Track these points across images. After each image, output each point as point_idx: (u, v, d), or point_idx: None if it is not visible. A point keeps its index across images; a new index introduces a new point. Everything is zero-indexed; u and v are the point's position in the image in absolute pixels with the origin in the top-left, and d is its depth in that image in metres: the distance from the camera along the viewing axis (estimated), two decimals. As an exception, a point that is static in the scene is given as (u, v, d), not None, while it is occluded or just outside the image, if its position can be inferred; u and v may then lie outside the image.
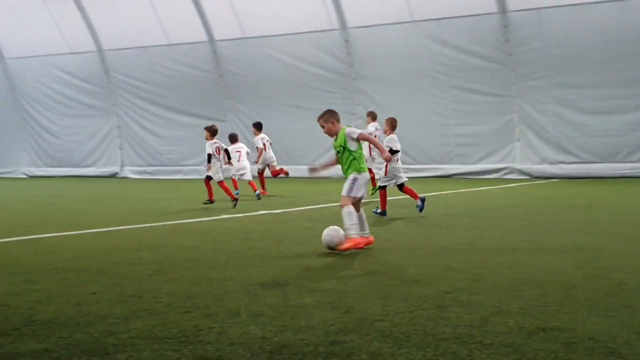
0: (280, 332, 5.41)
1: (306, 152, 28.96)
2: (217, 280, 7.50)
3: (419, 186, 23.02)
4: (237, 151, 20.54)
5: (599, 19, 24.88)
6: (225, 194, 17.25)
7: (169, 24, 31.49)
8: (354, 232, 9.29)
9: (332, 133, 9.70)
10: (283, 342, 5.16)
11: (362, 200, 9.79)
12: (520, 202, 17.38)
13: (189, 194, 21.49)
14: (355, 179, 9.51)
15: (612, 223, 12.52)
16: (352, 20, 28.36)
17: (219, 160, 17.71)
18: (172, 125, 33.01)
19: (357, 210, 9.52)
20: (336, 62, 29.07)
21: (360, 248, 9.32)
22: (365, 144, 15.75)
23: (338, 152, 9.67)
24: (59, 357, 4.93)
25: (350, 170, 9.57)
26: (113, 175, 34.62)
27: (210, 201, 17.24)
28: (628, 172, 25.09)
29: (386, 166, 14.10)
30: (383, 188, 14.29)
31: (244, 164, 20.48)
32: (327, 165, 10.39)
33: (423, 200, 14.11)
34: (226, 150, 18.19)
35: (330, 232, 9.45)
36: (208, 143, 17.62)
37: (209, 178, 17.50)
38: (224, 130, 31.58)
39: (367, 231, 9.63)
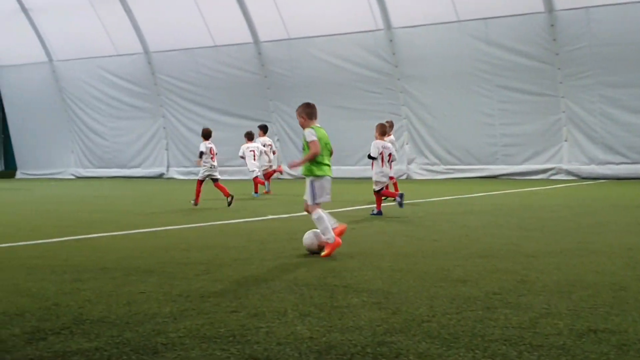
0: (327, 332, 5.41)
1: (351, 153, 28.94)
2: (263, 280, 7.52)
3: (465, 187, 22.96)
4: (251, 150, 21.27)
5: (648, 17, 24.55)
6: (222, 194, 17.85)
7: (215, 26, 31.70)
8: (329, 235, 9.21)
9: (303, 127, 9.62)
10: (331, 342, 5.15)
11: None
12: (568, 203, 17.17)
13: (235, 194, 21.60)
14: (312, 185, 9.41)
15: (662, 224, 12.33)
16: (397, 20, 28.29)
17: (213, 161, 18.18)
18: (217, 126, 33.04)
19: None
20: (381, 63, 29.01)
21: (339, 246, 9.20)
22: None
23: (303, 148, 9.60)
24: (109, 355, 4.98)
25: (305, 170, 9.50)
26: (159, 176, 34.94)
27: (195, 203, 17.66)
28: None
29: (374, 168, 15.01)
30: (378, 192, 14.82)
31: (256, 163, 21.64)
32: (305, 161, 10.00)
33: (401, 196, 14.71)
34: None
35: (311, 236, 9.43)
36: (202, 144, 18.28)
37: (202, 181, 18.06)
38: (268, 132, 31.76)
39: (334, 221, 9.45)
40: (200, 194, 17.82)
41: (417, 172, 29.07)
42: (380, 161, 14.96)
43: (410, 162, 29.26)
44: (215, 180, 18.17)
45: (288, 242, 10.64)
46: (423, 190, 21.76)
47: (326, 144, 9.61)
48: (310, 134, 9.40)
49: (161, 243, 10.94)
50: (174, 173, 34.74)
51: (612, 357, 4.70)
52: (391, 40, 28.58)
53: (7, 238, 11.75)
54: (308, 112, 9.63)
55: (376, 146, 14.99)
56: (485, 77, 27.36)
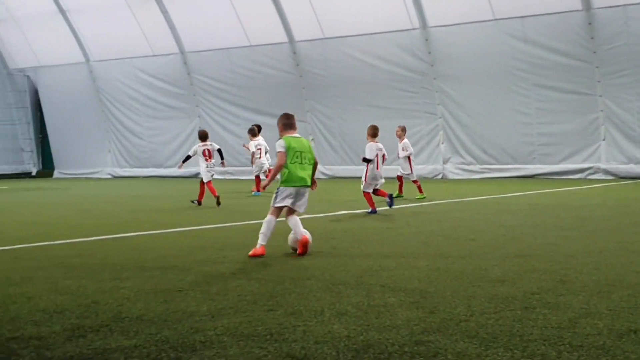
0: (365, 331, 5.40)
1: (387, 152, 28.80)
2: (300, 279, 7.54)
3: (501, 186, 22.81)
4: (258, 148, 21.63)
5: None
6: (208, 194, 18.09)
7: (250, 26, 31.76)
8: (260, 240, 9.30)
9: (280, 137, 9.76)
10: (368, 341, 5.15)
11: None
12: (606, 202, 16.97)
13: (269, 193, 21.62)
14: (277, 192, 9.56)
15: (703, 224, 12.16)
16: (432, 19, 28.16)
17: (208, 161, 18.46)
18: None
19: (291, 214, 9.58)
20: (416, 62, 28.89)
21: (255, 255, 9.17)
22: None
23: None
24: (148, 353, 5.01)
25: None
26: (195, 176, 35.07)
27: (199, 202, 18.04)
28: None
29: (366, 172, 15.26)
30: (367, 193, 15.13)
31: (263, 160, 21.94)
32: (272, 178, 10.05)
33: (391, 196, 15.20)
34: (219, 150, 19.06)
35: (290, 236, 9.65)
36: (198, 145, 18.68)
37: (209, 182, 18.29)
38: (301, 132, 31.81)
39: (301, 232, 9.44)
40: (214, 189, 18.12)
41: (453, 171, 28.92)
42: (375, 163, 15.31)
43: (445, 161, 29.13)
44: (207, 181, 18.49)
45: (324, 241, 10.64)
46: (459, 190, 21.66)
47: (302, 152, 9.58)
48: (278, 146, 9.57)
49: (197, 242, 11.01)
50: (211, 173, 34.89)
51: (654, 357, 4.65)
52: (427, 39, 28.46)
53: (45, 237, 11.89)
54: (284, 123, 9.80)
55: (371, 149, 15.33)
56: (522, 75, 27.14)
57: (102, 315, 6.09)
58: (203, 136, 19.03)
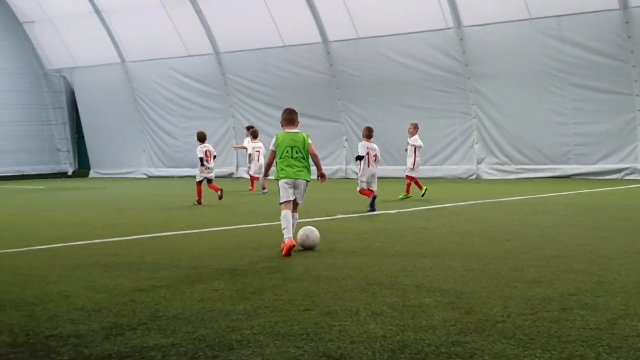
0: (400, 332, 5.39)
1: (421, 153, 28.70)
2: (335, 279, 7.54)
3: (536, 187, 22.64)
4: (257, 150, 21.91)
5: None
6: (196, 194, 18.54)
7: (284, 26, 31.82)
8: (286, 235, 9.47)
9: None
10: (404, 342, 5.14)
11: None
12: (643, 203, 16.81)
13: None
14: (278, 188, 9.89)
15: None
16: (467, 18, 28.02)
17: (208, 162, 18.90)
18: (286, 126, 33.32)
19: (294, 210, 9.88)
20: (450, 61, 28.77)
21: (288, 251, 9.30)
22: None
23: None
24: (185, 351, 5.05)
25: None
26: (229, 176, 35.23)
27: (199, 202, 18.43)
28: None
29: (360, 170, 15.98)
30: (363, 189, 15.81)
31: (262, 163, 22.15)
32: (265, 174, 10.93)
33: (374, 197, 15.41)
34: (214, 157, 19.51)
35: (301, 233, 9.85)
36: (198, 147, 19.00)
37: (200, 181, 18.73)
38: (334, 132, 31.83)
39: (291, 235, 9.53)
40: (202, 192, 18.62)
41: (487, 171, 28.75)
42: (366, 161, 15.87)
43: (480, 161, 28.98)
44: (209, 181, 18.88)
45: (358, 241, 10.64)
46: (493, 190, 21.53)
47: (292, 147, 9.85)
48: (271, 143, 10.02)
49: (232, 241, 11.06)
50: (243, 173, 34.94)
51: (695, 360, 4.60)
52: (461, 39, 28.33)
53: (82, 236, 12.01)
54: (285, 118, 10.15)
55: (364, 146, 16.02)
56: (558, 75, 26.92)
57: (139, 314, 6.14)
58: (202, 138, 19.37)
